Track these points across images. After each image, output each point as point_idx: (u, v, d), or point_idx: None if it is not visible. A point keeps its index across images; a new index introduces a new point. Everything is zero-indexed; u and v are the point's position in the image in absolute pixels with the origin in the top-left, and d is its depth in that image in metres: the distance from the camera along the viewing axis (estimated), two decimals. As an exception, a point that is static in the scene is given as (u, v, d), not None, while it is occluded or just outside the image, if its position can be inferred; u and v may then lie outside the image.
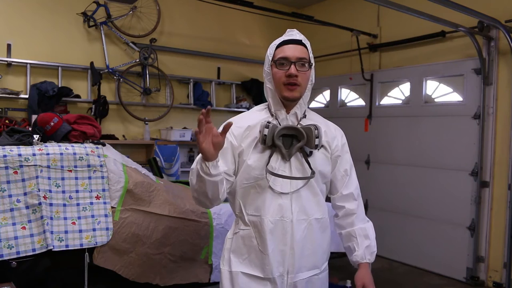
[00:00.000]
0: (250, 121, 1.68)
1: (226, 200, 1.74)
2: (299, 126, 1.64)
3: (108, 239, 2.46)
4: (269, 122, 1.60)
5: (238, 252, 1.68)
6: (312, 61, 1.66)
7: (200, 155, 1.45)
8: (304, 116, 1.70)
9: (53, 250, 2.29)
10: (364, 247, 1.72)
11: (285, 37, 1.66)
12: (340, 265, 4.23)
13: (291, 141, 1.62)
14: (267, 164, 1.60)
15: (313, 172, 1.62)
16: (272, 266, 1.62)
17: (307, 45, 1.66)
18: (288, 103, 1.65)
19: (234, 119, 1.71)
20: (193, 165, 1.53)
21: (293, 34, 1.67)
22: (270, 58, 1.65)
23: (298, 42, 1.64)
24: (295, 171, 1.64)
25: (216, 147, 1.41)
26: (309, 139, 1.59)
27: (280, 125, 1.63)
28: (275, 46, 1.66)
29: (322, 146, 1.68)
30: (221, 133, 1.41)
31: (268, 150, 1.63)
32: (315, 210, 1.68)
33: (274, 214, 1.62)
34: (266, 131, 1.57)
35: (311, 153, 1.65)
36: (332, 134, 1.75)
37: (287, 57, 1.60)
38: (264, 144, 1.59)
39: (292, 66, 1.58)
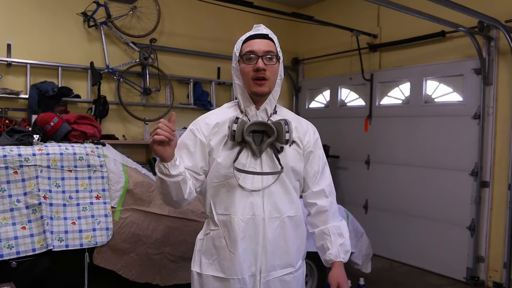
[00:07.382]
0: (218, 118, 1.65)
1: None
2: (269, 121, 1.60)
3: (108, 239, 2.46)
4: (237, 118, 1.56)
5: (208, 254, 1.66)
6: (280, 55, 1.62)
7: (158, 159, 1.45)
8: (275, 112, 1.67)
9: (53, 250, 2.30)
10: (338, 245, 1.66)
11: (251, 32, 1.63)
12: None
13: (261, 137, 1.58)
14: (235, 161, 1.57)
15: (282, 167, 1.58)
16: (243, 266, 1.58)
17: (274, 40, 1.62)
18: (257, 99, 1.62)
19: (202, 116, 1.72)
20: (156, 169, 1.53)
21: (260, 28, 1.64)
22: (238, 54, 1.61)
23: (265, 36, 1.60)
24: (266, 168, 1.59)
25: (169, 144, 1.40)
26: (279, 134, 1.54)
27: (250, 121, 1.59)
28: (242, 41, 1.62)
29: (294, 142, 1.65)
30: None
31: (238, 147, 1.59)
32: (288, 207, 1.64)
33: (245, 212, 1.59)
34: (235, 127, 1.53)
35: (282, 148, 1.60)
36: (304, 130, 1.71)
37: (254, 51, 1.56)
38: (233, 140, 1.55)
39: (260, 60, 1.55)
